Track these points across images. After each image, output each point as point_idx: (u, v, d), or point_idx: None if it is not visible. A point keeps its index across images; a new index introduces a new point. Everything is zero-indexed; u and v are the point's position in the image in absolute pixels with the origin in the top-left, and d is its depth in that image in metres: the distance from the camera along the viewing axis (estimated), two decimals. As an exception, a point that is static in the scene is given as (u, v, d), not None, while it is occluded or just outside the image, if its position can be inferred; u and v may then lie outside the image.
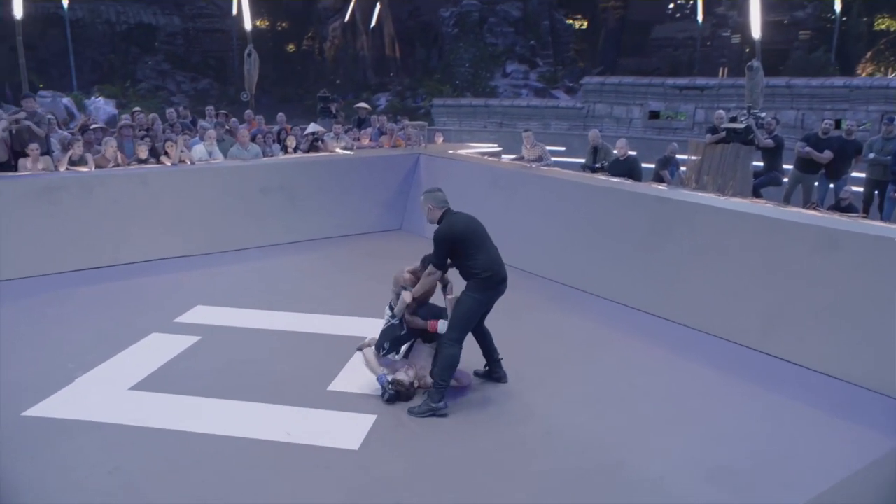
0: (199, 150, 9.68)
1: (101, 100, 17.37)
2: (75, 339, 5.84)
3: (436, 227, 4.69)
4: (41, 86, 16.64)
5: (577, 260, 7.45)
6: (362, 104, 12.58)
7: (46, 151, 9.00)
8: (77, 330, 6.05)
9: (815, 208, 8.05)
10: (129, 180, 8.42)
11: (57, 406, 4.65)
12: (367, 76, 26.40)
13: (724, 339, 5.87)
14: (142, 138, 9.52)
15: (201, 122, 10.99)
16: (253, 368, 5.29)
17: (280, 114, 12.31)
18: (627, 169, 8.46)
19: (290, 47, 24.70)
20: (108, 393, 4.86)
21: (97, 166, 8.83)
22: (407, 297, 4.79)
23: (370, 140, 11.62)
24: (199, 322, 6.21)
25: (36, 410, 4.59)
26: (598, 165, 9.13)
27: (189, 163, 9.20)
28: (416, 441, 4.32)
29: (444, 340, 4.65)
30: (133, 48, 21.05)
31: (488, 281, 4.60)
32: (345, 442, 4.25)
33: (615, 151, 8.78)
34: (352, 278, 7.64)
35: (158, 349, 5.62)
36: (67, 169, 8.55)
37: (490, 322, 5.01)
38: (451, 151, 10.77)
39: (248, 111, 12.57)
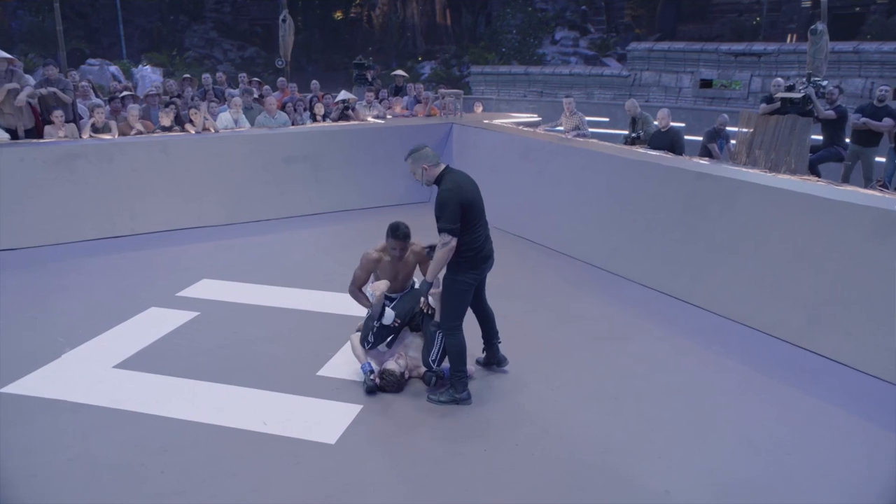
0: (225, 117, 9.46)
1: (148, 68, 17.39)
2: (74, 311, 5.70)
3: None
4: (86, 54, 16.87)
5: (604, 238, 6.92)
6: (399, 72, 12.14)
7: (73, 119, 8.93)
8: (77, 302, 5.91)
9: (882, 187, 7.27)
10: (150, 148, 8.26)
11: (36, 383, 4.48)
12: (416, 44, 25.81)
13: (761, 331, 5.29)
14: (167, 105, 9.35)
15: (229, 90, 10.77)
16: (243, 349, 5.02)
17: (314, 81, 12.00)
18: (668, 142, 7.80)
19: (338, 14, 24.31)
20: (92, 371, 4.65)
21: (121, 134, 8.71)
22: (381, 286, 4.41)
23: (404, 109, 11.21)
24: (201, 297, 5.98)
25: (14, 387, 4.42)
26: (634, 135, 8.49)
27: (213, 131, 9.00)
28: (399, 436, 3.95)
29: (443, 331, 4.26)
30: (181, 16, 21.05)
31: (475, 260, 4.14)
32: (321, 435, 3.91)
33: (656, 122, 8.11)
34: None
35: (153, 325, 5.41)
36: (91, 136, 8.45)
37: (504, 304, 4.61)
38: (486, 121, 10.26)
39: (282, 79, 12.32)
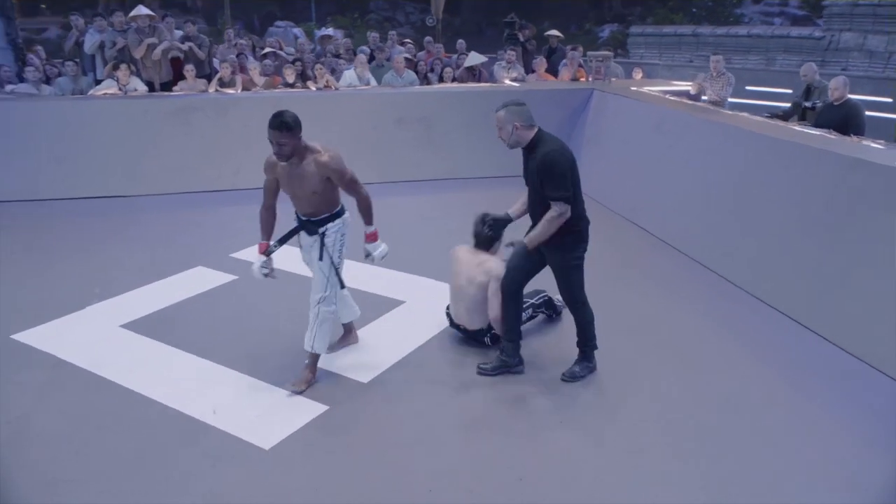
0: (349, 75, 9.20)
1: (330, 30, 17.79)
2: (129, 262, 5.70)
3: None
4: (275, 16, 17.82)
5: (726, 239, 5.53)
6: (553, 31, 11.04)
7: (206, 74, 9.18)
8: (138, 253, 5.93)
9: None
10: (263, 103, 8.15)
11: (43, 333, 4.42)
12: (612, 4, 23.91)
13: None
14: (293, 62, 9.27)
15: (360, 48, 10.50)
16: (251, 324, 4.60)
17: (460, 41, 11.36)
18: (842, 117, 6.06)
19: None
20: (98, 328, 4.52)
21: (243, 88, 8.78)
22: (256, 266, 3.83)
23: (547, 73, 10.16)
24: (251, 259, 5.68)
25: (24, 336, 4.40)
26: (808, 105, 6.78)
27: (333, 88, 8.76)
28: (352, 450, 3.27)
29: (573, 309, 3.88)
30: (370, -21, 21.48)
31: (585, 231, 3.75)
32: (260, 436, 3.36)
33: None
34: (461, 227, 6.53)
35: (187, 285, 5.21)
36: (216, 90, 8.60)
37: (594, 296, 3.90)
38: (633, 88, 8.92)
39: (428, 38, 11.83)
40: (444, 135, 8.53)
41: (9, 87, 8.44)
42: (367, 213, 3.82)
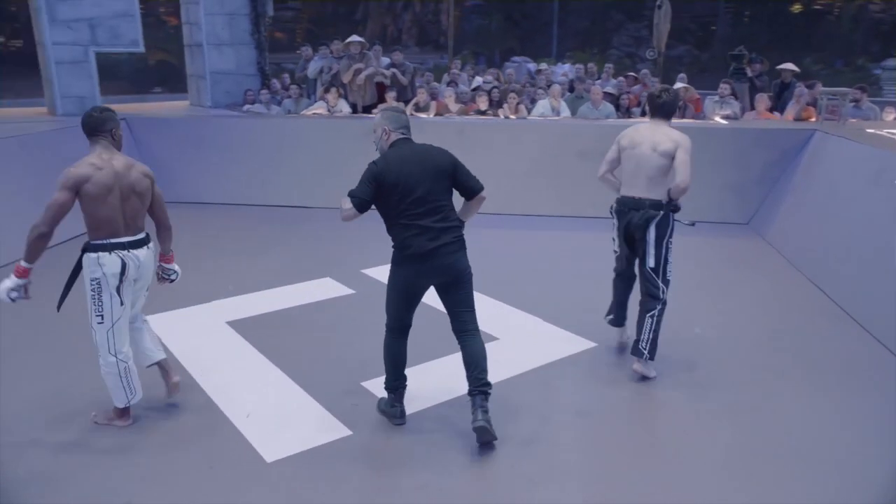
0: (543, 104, 9.04)
1: (567, 66, 17.79)
2: (272, 265, 6.09)
3: None
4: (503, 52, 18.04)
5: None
6: (788, 65, 9.69)
7: (408, 99, 9.63)
8: (283, 257, 6.33)
9: None
10: (445, 128, 8.30)
11: (164, 319, 4.85)
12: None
13: None
14: (489, 90, 9.33)
15: (558, 79, 10.21)
16: (337, 338, 4.59)
17: (681, 74, 10.55)
18: None
19: (796, 7, 20.78)
20: (207, 321, 4.85)
21: (436, 114, 9.05)
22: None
23: (767, 111, 8.95)
24: (376, 277, 5.74)
25: (154, 319, 4.82)
26: None
27: (522, 117, 8.66)
28: (348, 481, 3.03)
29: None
30: (617, 15, 20.89)
31: (402, 257, 3.40)
32: (268, 448, 3.28)
33: None
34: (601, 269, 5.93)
35: (307, 293, 5.41)
36: (411, 114, 8.97)
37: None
38: (869, 131, 7.46)
39: (644, 71, 11.16)
40: (627, 171, 7.89)
41: (245, 107, 9.67)
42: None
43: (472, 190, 3.49)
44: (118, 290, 3.29)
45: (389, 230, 3.35)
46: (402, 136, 3.41)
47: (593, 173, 7.80)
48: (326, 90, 9.22)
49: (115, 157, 3.36)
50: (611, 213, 4.24)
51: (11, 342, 4.42)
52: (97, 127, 3.36)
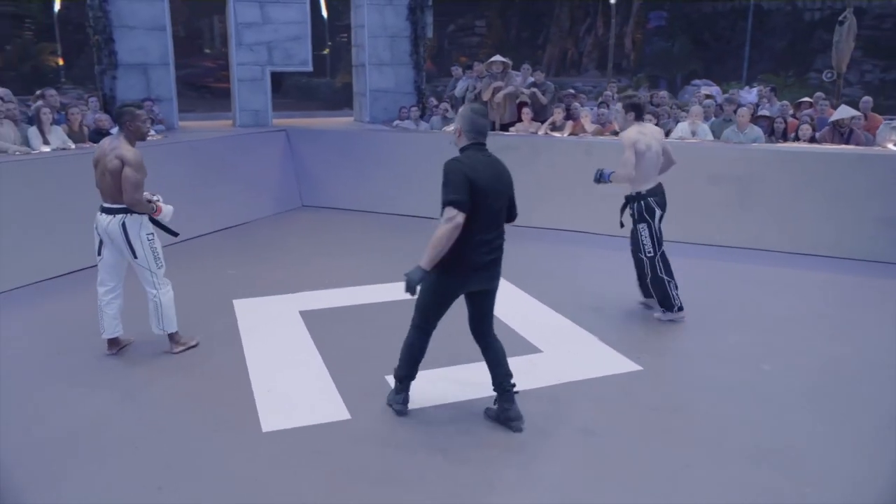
0: (682, 127, 8.60)
1: (751, 89, 16.73)
2: (371, 265, 6.43)
3: None
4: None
5: None
6: None
7: (544, 118, 9.66)
8: (384, 258, 6.63)
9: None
10: (575, 148, 8.26)
11: (249, 303, 5.37)
12: None
13: None
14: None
15: (692, 100, 9.59)
16: (384, 334, 4.72)
17: (865, 98, 9.45)
18: None
19: None
20: (284, 308, 5.27)
21: (571, 133, 8.98)
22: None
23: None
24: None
25: (238, 301, 5.42)
26: None
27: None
28: (323, 464, 3.21)
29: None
30: (823, 34, 18.83)
31: (460, 263, 3.36)
32: (269, 419, 3.56)
33: None
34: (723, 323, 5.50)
35: (385, 293, 5.61)
36: (546, 133, 9.01)
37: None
38: None
39: (819, 93, 10.14)
40: (760, 199, 7.25)
41: (395, 123, 10.32)
42: None
43: (513, 214, 3.56)
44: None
45: (459, 238, 3.21)
46: (476, 142, 3.35)
47: (718, 198, 7.41)
48: (466, 108, 9.55)
49: (111, 141, 4.21)
50: (653, 204, 4.96)
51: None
52: (116, 119, 4.37)
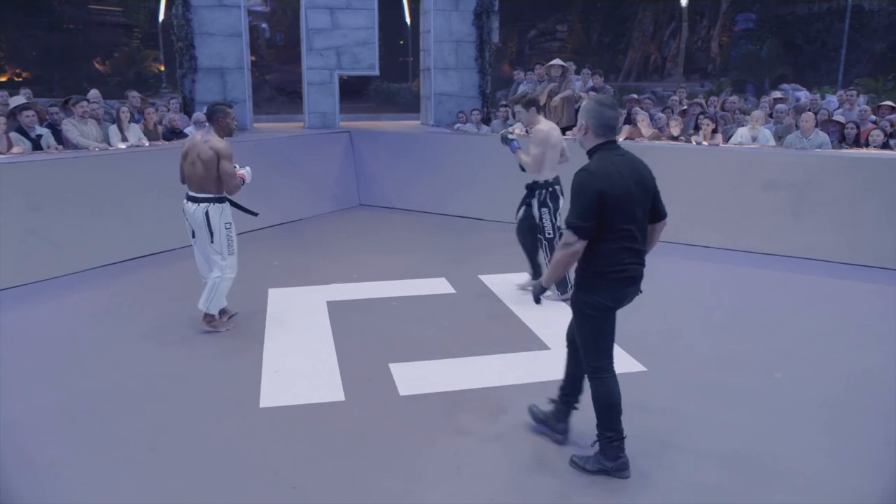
0: (742, 132, 8.37)
1: (835, 97, 15.97)
2: (408, 262, 6.64)
3: None
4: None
5: None
6: None
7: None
8: (422, 256, 6.82)
9: None
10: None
11: (279, 294, 5.66)
12: None
13: None
14: (683, 114, 8.87)
15: (763, 105, 9.22)
16: (400, 326, 4.96)
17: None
18: None
19: None
20: (313, 298, 5.54)
21: (626, 137, 8.89)
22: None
23: None
24: (487, 283, 5.97)
25: (274, 291, 5.72)
26: None
27: (716, 144, 8.14)
28: (312, 444, 3.43)
29: (587, 374, 3.25)
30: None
31: (611, 278, 3.04)
32: (269, 397, 3.81)
33: None
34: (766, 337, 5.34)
35: (412, 288, 5.86)
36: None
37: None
38: None
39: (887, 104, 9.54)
40: (817, 206, 6.95)
41: (456, 126, 10.53)
42: None
43: (662, 213, 3.15)
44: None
45: (597, 251, 2.95)
46: (606, 140, 3.05)
47: (773, 205, 7.15)
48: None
49: (202, 135, 4.66)
50: (558, 192, 5.43)
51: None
52: (209, 116, 4.68)
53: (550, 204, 5.43)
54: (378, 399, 3.85)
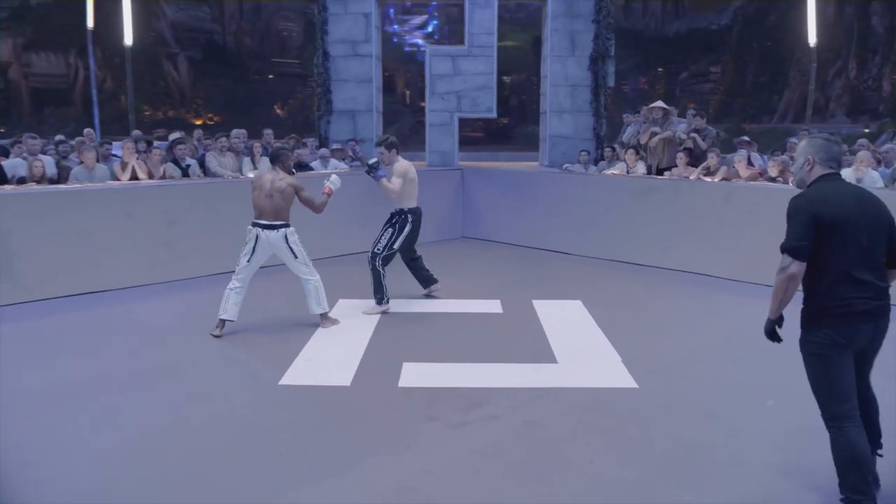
0: (846, 173, 7.98)
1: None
2: (474, 286, 7.14)
3: None
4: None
5: None
6: None
7: (693, 163, 9.53)
8: (494, 282, 7.30)
9: None
10: (716, 192, 8.14)
11: (347, 304, 6.34)
12: None
13: None
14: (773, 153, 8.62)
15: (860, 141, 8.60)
16: (430, 337, 5.49)
17: None
18: None
19: None
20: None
21: (724, 178, 8.81)
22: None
23: None
24: (536, 307, 6.31)
25: (342, 302, 6.46)
26: None
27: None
28: (317, 426, 4.10)
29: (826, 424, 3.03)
30: None
31: (831, 310, 2.92)
32: (290, 377, 4.55)
33: None
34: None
35: (463, 306, 6.35)
36: (698, 178, 8.94)
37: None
38: None
39: None
40: None
41: (565, 166, 10.93)
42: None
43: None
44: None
45: (818, 282, 2.86)
46: (830, 171, 2.97)
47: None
48: (626, 151, 9.84)
49: (272, 173, 5.49)
50: (409, 222, 6.29)
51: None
52: (272, 160, 5.62)
53: (397, 227, 6.18)
54: (377, 388, 4.41)
